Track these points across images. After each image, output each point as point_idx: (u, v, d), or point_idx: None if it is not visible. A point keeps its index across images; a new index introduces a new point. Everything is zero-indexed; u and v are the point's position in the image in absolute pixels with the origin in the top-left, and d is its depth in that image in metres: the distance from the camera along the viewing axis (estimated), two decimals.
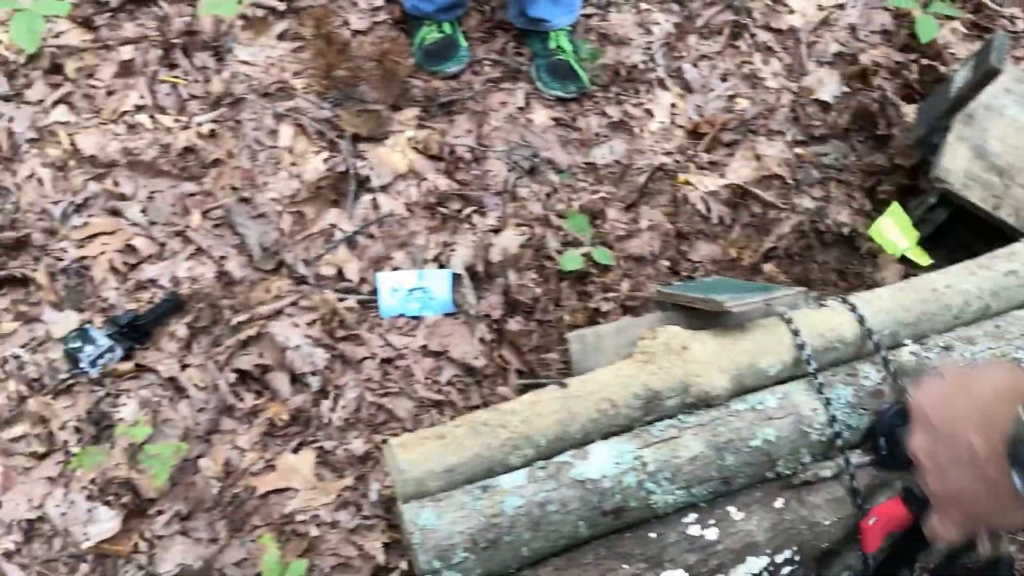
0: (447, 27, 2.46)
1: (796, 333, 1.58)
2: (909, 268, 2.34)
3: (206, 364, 1.85)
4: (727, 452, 1.48)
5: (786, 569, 1.50)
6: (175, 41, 2.39)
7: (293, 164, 2.20)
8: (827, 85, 2.67)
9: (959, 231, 2.32)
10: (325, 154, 2.23)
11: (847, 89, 2.66)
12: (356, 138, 2.29)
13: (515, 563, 1.41)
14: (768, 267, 2.31)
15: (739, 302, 1.49)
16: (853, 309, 1.63)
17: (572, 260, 2.05)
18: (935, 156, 2.16)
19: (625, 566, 1.42)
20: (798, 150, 2.56)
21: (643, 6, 2.77)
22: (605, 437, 1.51)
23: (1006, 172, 2.14)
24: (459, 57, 2.48)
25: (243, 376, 1.85)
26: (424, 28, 2.46)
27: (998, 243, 2.27)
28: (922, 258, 2.32)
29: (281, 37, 2.46)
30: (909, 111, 2.50)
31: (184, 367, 1.85)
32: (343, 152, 2.24)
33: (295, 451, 1.79)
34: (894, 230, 2.36)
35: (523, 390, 1.95)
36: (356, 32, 2.51)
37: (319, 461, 1.79)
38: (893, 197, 2.42)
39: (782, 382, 1.62)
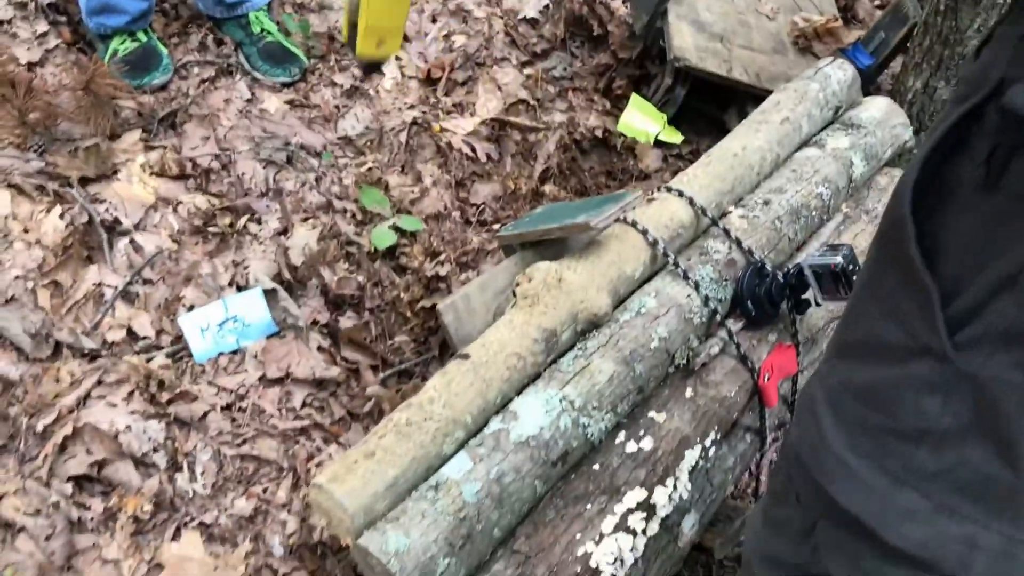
0: (141, 35, 2.18)
1: (645, 232, 1.62)
2: (666, 150, 2.48)
3: (26, 486, 1.54)
4: (635, 362, 1.49)
5: (712, 450, 1.56)
6: None
7: (26, 231, 1.86)
8: (529, 2, 2.73)
9: (693, 103, 2.50)
10: (58, 209, 1.90)
11: (549, 2, 2.73)
12: (84, 181, 1.98)
13: (489, 548, 1.34)
14: (547, 188, 2.35)
15: (602, 217, 1.49)
16: (681, 194, 1.70)
17: (383, 236, 1.94)
18: (665, 39, 2.29)
19: (589, 506, 1.40)
20: (527, 71, 2.60)
21: None
22: (519, 392, 1.46)
23: (725, 37, 2.32)
24: (164, 66, 2.21)
25: (79, 482, 1.56)
26: (115, 40, 2.16)
27: (732, 105, 2.48)
28: (674, 136, 2.47)
29: None
30: (618, 6, 2.62)
31: (0, 499, 1.52)
32: (77, 201, 1.93)
33: (175, 538, 1.55)
34: (641, 119, 2.48)
35: (385, 383, 1.85)
36: (31, 65, 2.15)
37: (206, 539, 1.57)
38: (629, 89, 2.55)
39: (645, 281, 1.66)
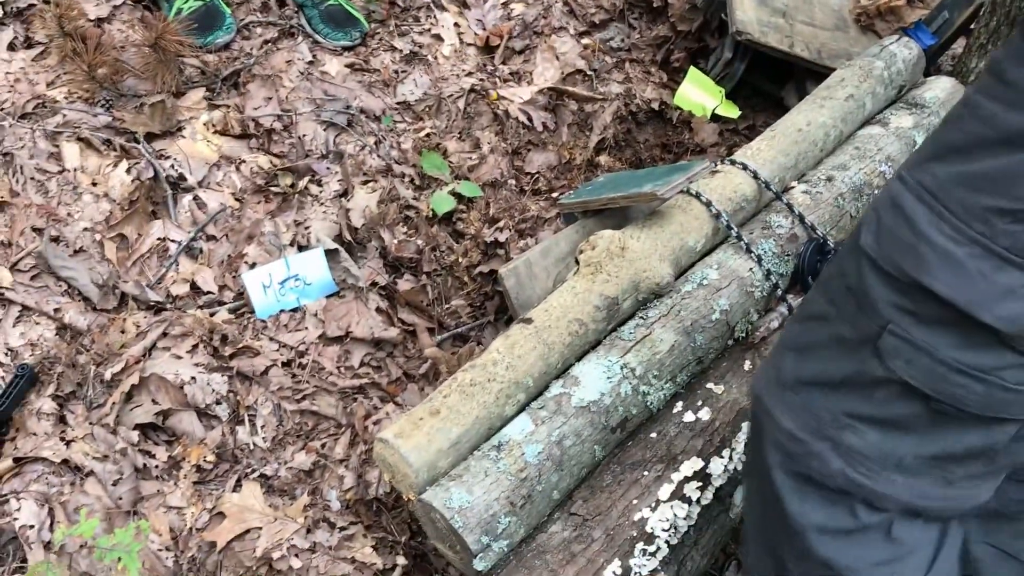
0: None
1: (709, 204, 1.62)
2: (722, 125, 2.47)
3: (94, 432, 1.58)
4: (696, 333, 1.50)
5: None
6: None
7: (94, 184, 1.90)
8: None
9: (750, 79, 2.48)
10: (124, 163, 1.94)
11: None
12: (150, 137, 2.01)
13: (548, 509, 1.37)
14: (602, 159, 2.35)
15: (668, 187, 1.50)
16: (745, 167, 1.70)
17: (443, 201, 1.95)
18: (727, 12, 2.27)
19: (645, 473, 1.42)
20: (585, 41, 2.59)
21: None
22: (579, 359, 1.48)
23: (787, 13, 2.30)
24: (227, 26, 2.23)
25: (145, 430, 1.61)
26: None
27: (790, 81, 2.45)
28: (732, 111, 2.45)
29: (12, 47, 2.08)
30: None
31: (69, 443, 1.57)
32: (143, 156, 1.96)
33: (236, 489, 1.59)
34: (698, 93, 2.46)
35: (440, 345, 1.87)
36: (99, 21, 2.18)
37: (266, 490, 1.61)
38: (686, 63, 2.53)
39: (707, 253, 1.66)
